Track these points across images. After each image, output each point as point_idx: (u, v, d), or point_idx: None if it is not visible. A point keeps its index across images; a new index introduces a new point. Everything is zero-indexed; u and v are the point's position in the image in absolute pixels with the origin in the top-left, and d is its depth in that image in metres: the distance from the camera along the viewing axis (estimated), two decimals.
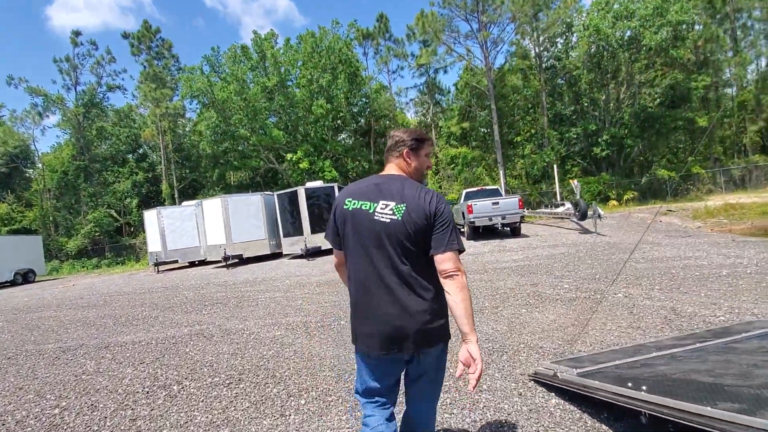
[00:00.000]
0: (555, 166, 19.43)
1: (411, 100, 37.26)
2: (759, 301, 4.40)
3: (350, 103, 27.34)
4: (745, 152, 20.74)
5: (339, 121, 27.73)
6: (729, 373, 2.31)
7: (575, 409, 2.68)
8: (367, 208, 1.70)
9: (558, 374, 2.85)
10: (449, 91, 35.23)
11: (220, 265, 14.79)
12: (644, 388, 2.27)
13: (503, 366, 3.44)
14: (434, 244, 1.64)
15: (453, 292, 1.60)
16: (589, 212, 11.83)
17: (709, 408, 1.84)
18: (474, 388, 1.59)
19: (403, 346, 1.65)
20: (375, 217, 1.67)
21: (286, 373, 3.73)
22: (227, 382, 3.68)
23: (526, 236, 12.86)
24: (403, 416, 1.90)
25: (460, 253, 1.67)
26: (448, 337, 1.76)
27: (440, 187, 27.03)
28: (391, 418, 1.78)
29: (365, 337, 1.71)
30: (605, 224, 13.24)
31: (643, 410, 2.22)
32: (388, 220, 1.65)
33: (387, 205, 1.67)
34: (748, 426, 1.66)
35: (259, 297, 7.62)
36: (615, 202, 19.73)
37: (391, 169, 1.84)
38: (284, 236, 14.29)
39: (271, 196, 15.05)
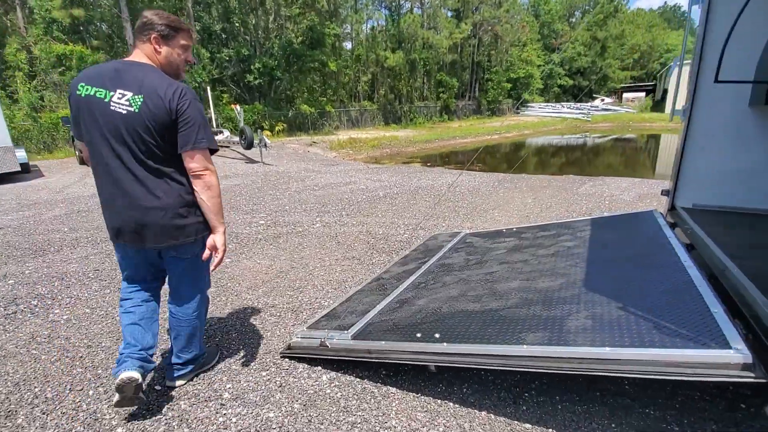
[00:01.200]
0: (208, 88, 17.66)
1: None
2: (418, 215, 5.41)
3: None
4: (359, 98, 26.61)
5: None
6: (483, 294, 2.41)
7: (352, 378, 2.17)
8: (102, 96, 1.55)
9: (327, 342, 2.22)
10: None
11: None
12: (437, 336, 2.00)
13: (240, 349, 2.45)
14: (180, 142, 1.60)
15: (200, 191, 1.67)
16: (255, 141, 11.49)
17: (525, 347, 1.72)
18: (214, 268, 1.84)
19: (147, 240, 1.68)
20: (111, 108, 1.55)
21: None
22: None
23: None
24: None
25: (212, 153, 1.70)
26: (195, 236, 1.74)
27: (42, 98, 18.97)
28: (148, 299, 1.90)
29: (112, 230, 1.72)
30: (266, 153, 13.40)
31: (430, 362, 1.95)
32: (125, 112, 1.54)
33: (124, 95, 1.54)
34: (571, 357, 1.60)
35: None
36: (268, 132, 20.55)
37: (138, 55, 1.64)
38: None
39: None
